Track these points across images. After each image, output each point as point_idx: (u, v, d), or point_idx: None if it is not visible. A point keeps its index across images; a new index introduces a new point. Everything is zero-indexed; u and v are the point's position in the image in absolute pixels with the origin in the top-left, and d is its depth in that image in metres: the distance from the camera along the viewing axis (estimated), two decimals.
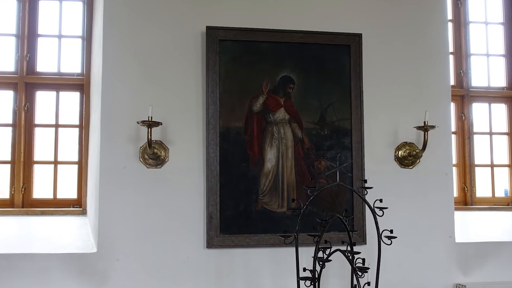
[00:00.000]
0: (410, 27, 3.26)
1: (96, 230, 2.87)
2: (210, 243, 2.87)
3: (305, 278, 2.40)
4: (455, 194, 3.56)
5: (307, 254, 2.74)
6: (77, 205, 3.25)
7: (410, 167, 3.17)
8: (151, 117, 2.71)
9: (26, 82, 3.28)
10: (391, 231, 2.49)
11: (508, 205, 3.71)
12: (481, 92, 3.78)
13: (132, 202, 2.87)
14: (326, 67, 3.10)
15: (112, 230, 2.84)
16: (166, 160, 2.93)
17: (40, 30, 3.37)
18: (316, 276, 2.38)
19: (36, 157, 3.30)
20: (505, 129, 3.80)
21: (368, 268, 2.38)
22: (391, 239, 2.49)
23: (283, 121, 3.03)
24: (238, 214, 2.92)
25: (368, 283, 2.47)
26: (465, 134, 3.70)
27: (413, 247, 3.11)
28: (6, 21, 3.33)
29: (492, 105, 3.82)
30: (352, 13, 3.21)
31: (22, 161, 3.23)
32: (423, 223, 3.14)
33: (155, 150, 2.88)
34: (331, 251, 2.42)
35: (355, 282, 2.41)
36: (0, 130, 3.28)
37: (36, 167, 3.29)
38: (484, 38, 3.87)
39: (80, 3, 3.39)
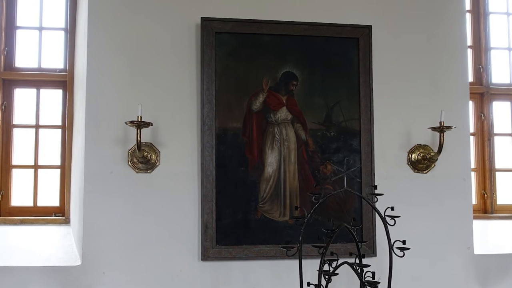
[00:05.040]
0: (425, 18, 3.27)
1: (80, 240, 2.88)
2: (205, 255, 2.88)
3: None
4: (474, 201, 3.57)
5: (311, 267, 2.76)
6: (59, 214, 3.26)
7: (424, 171, 3.18)
8: (141, 117, 2.72)
9: (4, 79, 3.29)
10: (404, 242, 2.50)
11: None
12: (502, 89, 3.80)
13: (120, 210, 2.88)
14: (333, 62, 3.11)
15: (98, 240, 2.85)
16: (157, 164, 2.94)
17: (19, 22, 3.38)
18: None
19: (15, 161, 3.31)
20: None
21: (379, 283, 2.39)
22: (404, 251, 2.50)
23: (285, 121, 3.04)
24: (236, 224, 2.93)
25: None
26: (484, 135, 3.72)
27: (427, 259, 3.12)
28: None
29: None
30: (360, 3, 3.22)
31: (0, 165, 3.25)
32: (439, 233, 3.15)
33: (145, 153, 2.89)
34: (338, 264, 2.43)
35: None
36: None
37: (14, 172, 3.30)
38: (505, 30, 3.88)
39: None
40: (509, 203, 3.73)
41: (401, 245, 2.49)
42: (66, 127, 3.29)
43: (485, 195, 3.67)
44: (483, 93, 3.74)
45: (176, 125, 2.97)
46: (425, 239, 3.11)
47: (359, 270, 2.45)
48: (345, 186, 2.58)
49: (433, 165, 3.18)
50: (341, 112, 3.09)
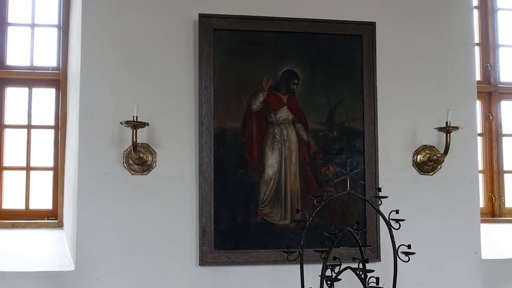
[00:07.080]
0: (431, 14, 3.28)
1: (74, 245, 2.88)
2: (204, 260, 2.88)
3: None
4: (482, 204, 3.57)
5: (313, 272, 2.76)
6: (52, 217, 3.26)
7: (430, 173, 3.18)
8: (137, 117, 2.72)
9: None
10: (409, 246, 2.50)
11: None
12: (510, 88, 3.80)
13: (115, 213, 2.88)
14: (335, 60, 3.11)
15: (92, 245, 2.84)
16: (154, 165, 2.94)
17: (10, 19, 3.39)
18: None
19: (6, 163, 3.31)
20: None
21: None
22: (409, 256, 2.50)
23: (286, 121, 3.04)
24: (235, 227, 2.93)
25: None
26: (492, 136, 3.72)
27: (433, 264, 3.12)
28: None
29: None
30: None
31: None
32: (445, 237, 3.15)
33: (141, 155, 2.89)
34: (340, 269, 2.43)
35: None
36: None
37: (5, 174, 3.31)
38: None
39: None
40: None
41: (406, 249, 2.49)
42: (59, 128, 3.29)
43: (493, 198, 3.67)
44: (491, 92, 3.74)
45: (173, 126, 2.97)
46: (431, 243, 3.12)
47: (362, 276, 2.45)
48: (348, 189, 2.58)
49: (439, 166, 3.18)
50: (344, 112, 3.09)
